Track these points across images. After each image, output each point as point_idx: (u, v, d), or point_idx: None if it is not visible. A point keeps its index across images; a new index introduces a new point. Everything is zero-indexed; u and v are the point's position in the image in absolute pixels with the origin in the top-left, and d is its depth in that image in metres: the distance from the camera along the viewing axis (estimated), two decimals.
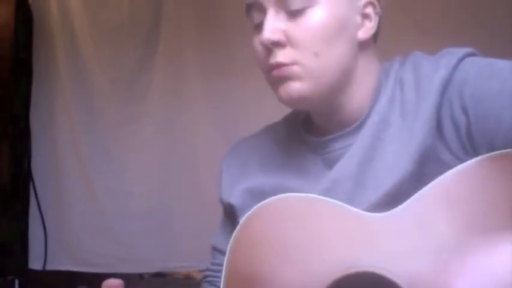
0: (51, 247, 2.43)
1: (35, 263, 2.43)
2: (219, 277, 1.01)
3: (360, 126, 0.89)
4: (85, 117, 2.46)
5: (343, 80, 0.89)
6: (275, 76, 0.87)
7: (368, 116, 0.89)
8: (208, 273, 1.05)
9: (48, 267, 2.41)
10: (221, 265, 1.01)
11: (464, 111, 0.80)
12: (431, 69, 0.85)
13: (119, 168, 2.45)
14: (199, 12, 2.38)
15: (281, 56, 0.86)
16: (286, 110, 1.02)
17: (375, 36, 0.94)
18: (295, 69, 0.86)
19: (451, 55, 0.86)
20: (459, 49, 0.87)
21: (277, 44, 0.86)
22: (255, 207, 0.84)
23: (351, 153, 0.87)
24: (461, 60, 0.84)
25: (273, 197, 0.84)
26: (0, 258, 2.36)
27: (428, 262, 0.73)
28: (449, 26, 2.05)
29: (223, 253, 1.01)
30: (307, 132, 0.97)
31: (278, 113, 1.03)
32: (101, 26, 2.47)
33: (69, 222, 2.44)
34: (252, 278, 0.81)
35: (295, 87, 0.86)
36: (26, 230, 2.46)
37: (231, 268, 0.83)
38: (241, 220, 0.85)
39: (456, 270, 0.72)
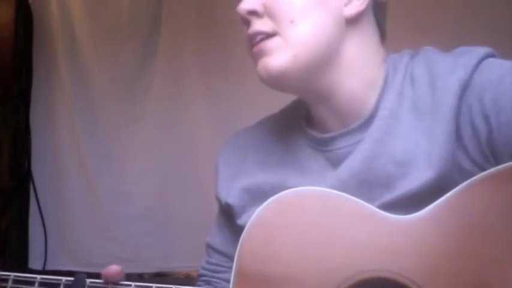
0: (51, 247, 2.43)
1: (35, 263, 2.43)
2: (216, 277, 1.00)
3: (367, 122, 0.85)
4: (85, 117, 2.46)
5: (328, 57, 0.86)
6: (255, 53, 0.86)
7: (375, 111, 0.85)
8: (203, 272, 1.02)
9: (48, 267, 2.41)
10: (218, 265, 1.00)
11: (486, 118, 0.77)
12: (448, 68, 0.82)
13: (119, 168, 2.45)
14: (199, 12, 2.38)
15: (258, 25, 0.86)
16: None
17: (382, 31, 0.91)
18: (275, 41, 0.85)
19: (469, 55, 0.82)
20: (478, 48, 0.84)
21: (254, 14, 0.86)
22: (269, 200, 0.80)
23: (358, 149, 0.84)
24: (480, 61, 0.81)
25: (289, 190, 0.80)
26: (0, 258, 2.35)
27: (447, 269, 0.72)
28: (449, 25, 2.05)
29: (219, 252, 1.00)
30: (310, 127, 0.93)
31: None
32: (101, 26, 2.47)
33: (69, 222, 2.44)
34: (265, 273, 0.78)
35: (273, 61, 0.85)
36: (26, 230, 2.46)
37: (243, 261, 0.79)
38: (255, 213, 0.81)
39: (476, 279, 0.71)
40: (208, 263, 1.02)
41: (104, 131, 2.46)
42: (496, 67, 0.81)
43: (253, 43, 0.87)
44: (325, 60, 0.86)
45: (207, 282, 1.01)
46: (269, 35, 0.85)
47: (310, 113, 0.94)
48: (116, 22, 2.46)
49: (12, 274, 0.83)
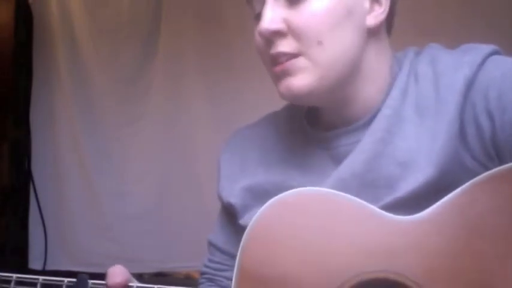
0: (51, 247, 2.43)
1: (35, 263, 2.43)
2: (219, 275, 0.99)
3: (370, 120, 0.84)
4: (85, 117, 2.46)
5: (351, 71, 0.84)
6: (277, 71, 0.82)
7: (379, 109, 0.84)
8: (206, 270, 1.02)
9: (48, 267, 2.41)
10: (220, 263, 0.99)
11: (490, 115, 0.76)
12: (453, 66, 0.81)
13: (118, 168, 2.45)
14: (199, 12, 2.38)
15: (282, 45, 0.81)
16: None
17: (389, 28, 0.89)
18: (300, 61, 0.81)
19: (474, 52, 0.81)
20: (483, 46, 0.83)
21: (277, 34, 0.81)
22: (270, 202, 0.79)
23: (360, 149, 0.83)
24: (486, 58, 0.80)
25: (289, 191, 0.79)
26: (0, 258, 2.35)
27: (449, 270, 0.72)
28: (449, 25, 2.05)
29: (221, 251, 1.00)
30: (312, 124, 0.92)
31: None
32: (101, 26, 2.47)
33: (69, 222, 2.44)
34: (266, 275, 0.78)
35: (298, 82, 0.81)
36: (26, 230, 2.46)
37: (244, 263, 0.79)
38: (256, 214, 0.80)
39: (478, 279, 0.71)
40: (210, 261, 1.02)
41: (104, 131, 2.46)
42: (501, 64, 0.79)
43: (275, 62, 0.83)
44: (350, 74, 0.84)
45: (210, 280, 1.01)
46: (293, 56, 0.82)
47: (312, 111, 0.93)
48: (116, 22, 2.46)
49: (15, 275, 0.83)
